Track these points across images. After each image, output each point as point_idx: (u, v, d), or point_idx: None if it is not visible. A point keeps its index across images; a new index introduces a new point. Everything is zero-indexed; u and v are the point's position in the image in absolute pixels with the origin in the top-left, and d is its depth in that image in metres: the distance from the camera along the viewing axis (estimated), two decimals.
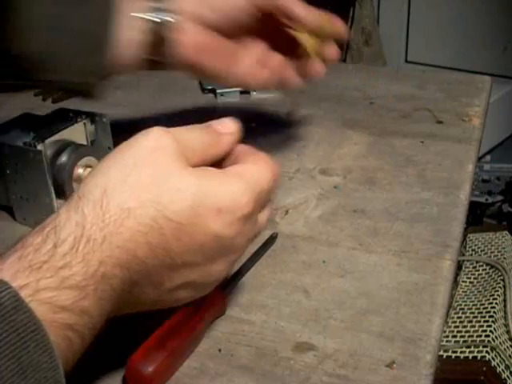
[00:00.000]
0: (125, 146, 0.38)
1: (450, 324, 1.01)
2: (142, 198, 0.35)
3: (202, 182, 0.37)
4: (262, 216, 0.42)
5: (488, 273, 1.12)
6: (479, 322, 0.99)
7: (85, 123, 0.59)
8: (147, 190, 0.35)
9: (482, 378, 0.91)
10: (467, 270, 1.15)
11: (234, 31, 0.57)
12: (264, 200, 0.40)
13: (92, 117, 0.60)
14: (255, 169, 0.39)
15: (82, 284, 0.33)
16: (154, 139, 0.37)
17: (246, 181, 0.38)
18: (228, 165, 0.41)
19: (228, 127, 0.41)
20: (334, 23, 0.58)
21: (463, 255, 1.18)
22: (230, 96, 0.81)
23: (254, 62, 0.59)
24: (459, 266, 1.14)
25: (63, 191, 0.55)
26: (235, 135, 0.41)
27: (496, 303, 1.01)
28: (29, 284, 0.31)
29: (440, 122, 0.73)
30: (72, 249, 0.33)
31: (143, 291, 0.37)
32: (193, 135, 0.39)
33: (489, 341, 0.95)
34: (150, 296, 0.38)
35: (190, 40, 0.54)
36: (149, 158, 0.36)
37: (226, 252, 0.39)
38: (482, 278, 1.11)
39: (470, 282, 1.11)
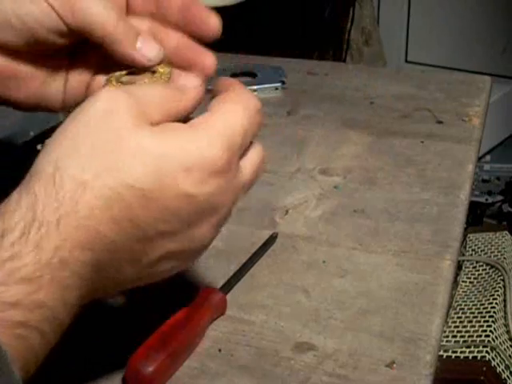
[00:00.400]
0: (75, 113, 0.34)
1: (450, 324, 1.01)
2: (97, 167, 0.31)
3: (162, 140, 0.33)
4: (246, 162, 0.37)
5: (488, 273, 1.12)
6: (479, 322, 0.99)
7: None
8: (103, 158, 0.32)
9: (481, 378, 0.91)
10: (467, 269, 1.14)
11: (41, 53, 0.41)
12: (241, 144, 0.35)
13: None
14: (222, 111, 0.35)
15: (35, 275, 0.30)
16: (105, 99, 0.33)
17: (214, 130, 0.34)
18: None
19: (192, 81, 0.38)
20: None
21: (463, 255, 1.18)
22: None
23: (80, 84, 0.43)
24: (459, 266, 1.14)
25: None
26: (201, 88, 0.38)
27: (496, 303, 1.01)
28: None
29: (440, 122, 0.73)
30: (22, 237, 0.30)
31: (119, 270, 0.34)
32: (151, 90, 0.36)
33: (489, 341, 0.94)
34: (129, 274, 0.34)
35: None
36: (102, 121, 0.33)
37: (205, 213, 0.35)
38: (481, 278, 1.11)
39: (469, 282, 1.11)
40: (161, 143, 0.33)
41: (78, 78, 0.42)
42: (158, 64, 0.39)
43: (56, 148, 0.32)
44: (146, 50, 0.39)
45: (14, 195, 0.31)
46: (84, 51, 0.41)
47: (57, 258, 0.30)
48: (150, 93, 0.35)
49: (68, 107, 0.42)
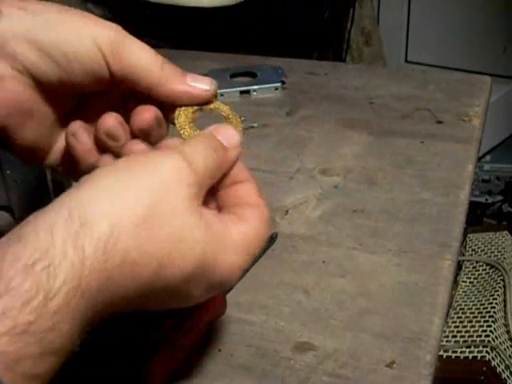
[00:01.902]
0: (137, 169, 0.32)
1: (450, 324, 1.01)
2: (150, 253, 0.30)
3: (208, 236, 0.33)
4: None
5: (488, 273, 1.12)
6: (479, 322, 0.99)
7: None
8: (160, 248, 0.31)
9: (481, 378, 0.91)
10: (467, 269, 1.15)
11: (63, 95, 0.38)
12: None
13: None
14: (251, 226, 0.36)
15: (65, 347, 0.27)
16: (171, 171, 0.33)
17: (247, 251, 0.35)
18: (222, 185, 0.37)
19: (233, 141, 0.37)
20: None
21: (463, 255, 1.18)
22: (230, 96, 0.81)
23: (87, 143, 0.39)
24: (459, 266, 1.14)
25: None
26: (239, 150, 0.38)
27: (496, 303, 1.01)
28: (8, 352, 0.25)
29: (440, 122, 0.73)
30: (65, 305, 0.27)
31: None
32: (209, 159, 0.35)
33: (489, 341, 0.95)
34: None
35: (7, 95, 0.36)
36: (163, 199, 0.31)
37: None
38: (482, 278, 1.11)
39: (469, 282, 1.11)
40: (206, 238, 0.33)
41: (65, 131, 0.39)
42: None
43: (112, 203, 0.30)
44: (199, 82, 0.39)
45: (59, 242, 0.27)
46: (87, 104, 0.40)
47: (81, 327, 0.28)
48: (209, 163, 0.35)
49: (51, 163, 0.40)
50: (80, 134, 0.38)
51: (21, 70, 0.36)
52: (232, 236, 0.34)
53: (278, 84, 0.82)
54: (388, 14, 2.06)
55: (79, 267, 0.27)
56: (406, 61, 2.14)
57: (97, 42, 0.36)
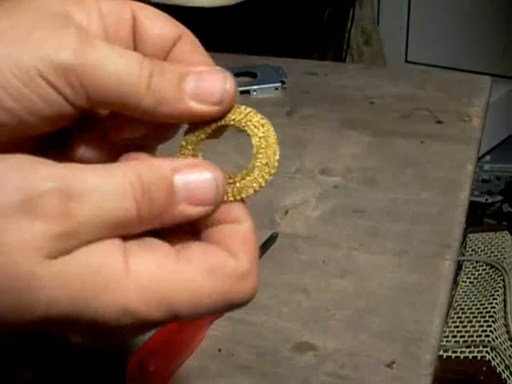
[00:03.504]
0: None
1: (450, 324, 1.01)
2: None
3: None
4: None
5: (488, 273, 1.12)
6: (479, 322, 0.99)
7: None
8: None
9: (481, 378, 0.91)
10: (467, 269, 1.15)
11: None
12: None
13: None
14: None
15: None
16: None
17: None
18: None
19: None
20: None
21: (463, 255, 1.18)
22: None
23: None
24: (459, 266, 1.14)
25: None
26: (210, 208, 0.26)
27: (496, 303, 1.01)
28: None
29: (440, 122, 0.73)
30: None
31: None
32: (111, 207, 0.24)
33: (489, 341, 0.95)
34: None
35: None
36: None
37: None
38: (482, 278, 1.11)
39: (469, 282, 1.11)
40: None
41: None
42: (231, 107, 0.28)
43: None
44: (204, 90, 0.27)
45: None
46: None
47: None
48: (106, 208, 0.23)
49: None
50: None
51: None
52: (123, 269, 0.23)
53: (278, 84, 0.82)
54: (388, 14, 2.06)
55: None
56: (406, 61, 2.14)
57: (41, 71, 0.24)
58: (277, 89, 0.82)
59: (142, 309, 0.24)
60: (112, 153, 0.28)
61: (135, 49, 0.29)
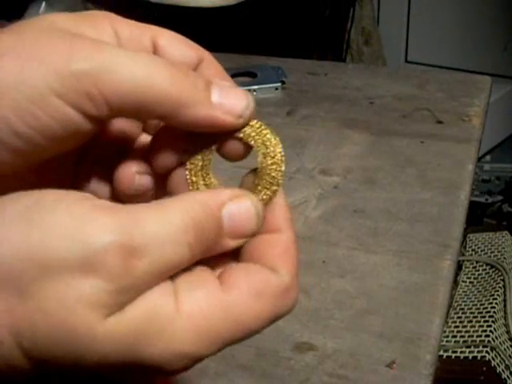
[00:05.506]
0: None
1: (450, 324, 1.01)
2: None
3: None
4: None
5: (488, 273, 1.12)
6: (479, 322, 0.99)
7: None
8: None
9: (481, 378, 0.91)
10: (467, 269, 1.15)
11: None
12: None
13: None
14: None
15: None
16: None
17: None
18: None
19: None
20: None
21: (463, 255, 1.18)
22: None
23: None
24: (459, 266, 1.14)
25: None
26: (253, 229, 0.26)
27: (496, 303, 1.01)
28: None
29: (440, 122, 0.73)
30: None
31: None
32: (170, 252, 0.23)
33: (489, 341, 0.95)
34: None
35: None
36: None
37: None
38: (482, 278, 1.11)
39: (469, 282, 1.11)
40: None
41: None
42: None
43: None
44: (228, 101, 0.27)
45: None
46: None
47: None
48: (164, 255, 0.23)
49: None
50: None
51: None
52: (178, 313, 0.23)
53: (278, 84, 0.82)
54: (388, 14, 2.06)
55: None
56: (406, 61, 2.14)
57: (55, 89, 0.23)
58: (277, 89, 0.82)
59: (196, 350, 0.25)
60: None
61: None
